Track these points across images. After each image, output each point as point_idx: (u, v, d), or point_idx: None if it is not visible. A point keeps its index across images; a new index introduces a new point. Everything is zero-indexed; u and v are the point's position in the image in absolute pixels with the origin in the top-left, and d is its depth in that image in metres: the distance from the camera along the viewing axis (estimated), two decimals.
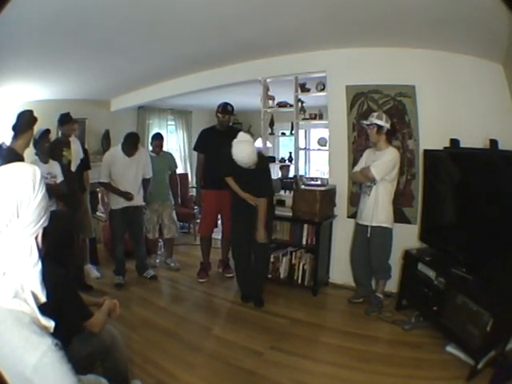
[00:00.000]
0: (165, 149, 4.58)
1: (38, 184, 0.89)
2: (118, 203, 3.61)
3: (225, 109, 3.60)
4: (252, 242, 3.22)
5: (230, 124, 3.88)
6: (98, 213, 4.81)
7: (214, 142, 3.64)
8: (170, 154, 4.51)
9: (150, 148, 4.31)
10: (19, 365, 0.81)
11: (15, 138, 2.71)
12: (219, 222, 4.00)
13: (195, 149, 3.93)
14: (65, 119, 3.41)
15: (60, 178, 3.14)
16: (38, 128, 3.03)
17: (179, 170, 6.38)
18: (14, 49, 2.84)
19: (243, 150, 2.90)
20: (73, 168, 3.41)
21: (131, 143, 3.56)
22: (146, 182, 3.81)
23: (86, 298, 1.80)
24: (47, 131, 3.11)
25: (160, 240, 4.53)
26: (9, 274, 0.85)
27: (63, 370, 0.85)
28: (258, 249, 3.26)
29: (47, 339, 0.85)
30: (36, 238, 0.89)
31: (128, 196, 3.58)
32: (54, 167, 3.14)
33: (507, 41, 2.36)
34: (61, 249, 1.62)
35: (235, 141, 2.94)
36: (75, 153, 3.45)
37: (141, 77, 4.51)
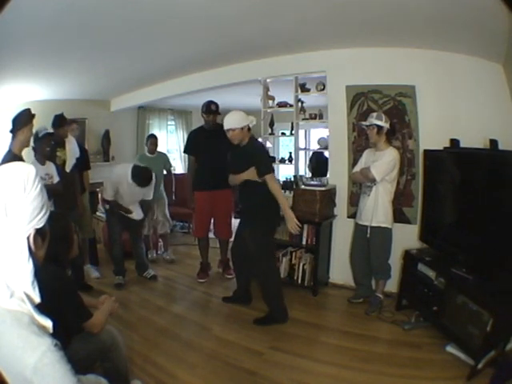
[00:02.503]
0: (164, 149, 4.68)
1: (31, 184, 0.88)
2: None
3: (208, 108, 3.56)
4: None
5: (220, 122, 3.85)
6: (97, 213, 4.81)
7: (203, 142, 3.62)
8: (165, 155, 4.63)
9: (146, 148, 4.46)
10: (19, 365, 0.81)
11: (13, 138, 2.70)
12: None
13: (185, 151, 3.90)
14: (59, 122, 3.33)
15: (56, 179, 3.13)
16: (40, 127, 3.02)
17: (179, 170, 6.44)
18: (14, 49, 2.84)
19: (229, 113, 2.87)
20: (67, 168, 3.36)
21: (146, 181, 3.48)
22: (145, 203, 3.76)
23: (84, 299, 1.80)
24: (50, 135, 3.09)
25: (160, 240, 4.64)
26: (2, 273, 0.85)
27: (63, 370, 0.85)
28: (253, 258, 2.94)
29: (47, 339, 0.84)
30: (28, 238, 0.88)
31: (128, 212, 3.59)
32: (51, 168, 3.13)
33: (507, 41, 2.36)
34: (58, 249, 1.61)
35: None
36: (70, 152, 3.40)
37: (141, 77, 4.52)
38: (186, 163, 6.91)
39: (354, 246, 3.32)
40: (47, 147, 3.08)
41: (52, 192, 2.90)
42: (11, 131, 2.73)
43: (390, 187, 3.03)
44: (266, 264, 2.94)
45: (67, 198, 3.21)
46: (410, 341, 2.67)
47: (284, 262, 3.63)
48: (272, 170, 2.88)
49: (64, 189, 3.16)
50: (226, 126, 2.82)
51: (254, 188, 2.85)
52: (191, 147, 3.78)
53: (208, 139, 3.60)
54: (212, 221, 3.89)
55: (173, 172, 4.69)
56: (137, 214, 3.68)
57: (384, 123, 2.97)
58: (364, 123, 3.09)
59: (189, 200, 3.94)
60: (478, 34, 2.53)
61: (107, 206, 3.71)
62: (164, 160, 4.47)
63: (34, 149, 3.05)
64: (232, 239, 3.47)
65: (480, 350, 2.20)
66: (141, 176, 3.43)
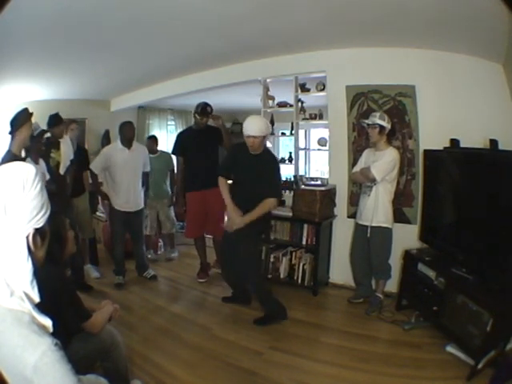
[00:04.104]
0: (164, 149, 4.70)
1: (30, 183, 0.88)
2: (120, 205, 3.61)
3: (204, 110, 3.56)
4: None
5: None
6: (97, 213, 4.81)
7: (192, 142, 3.63)
8: (168, 153, 4.58)
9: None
10: (19, 364, 0.81)
11: (12, 138, 2.69)
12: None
13: (173, 152, 3.88)
14: (54, 121, 3.28)
15: (47, 177, 3.09)
16: (34, 125, 2.99)
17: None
18: (14, 49, 2.84)
19: (253, 118, 2.79)
20: (61, 170, 3.29)
21: (127, 126, 3.59)
22: (144, 176, 3.83)
23: (85, 303, 1.80)
24: (43, 132, 3.05)
25: (160, 240, 4.66)
26: (2, 272, 0.85)
27: (63, 369, 0.85)
28: (240, 258, 2.94)
29: (47, 339, 0.84)
30: (27, 237, 0.88)
31: (103, 197, 3.68)
32: (43, 166, 3.10)
33: (507, 41, 2.36)
34: (52, 248, 1.60)
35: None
36: (64, 155, 3.33)
37: (141, 77, 4.52)
38: None
39: (354, 245, 3.32)
40: (42, 146, 3.05)
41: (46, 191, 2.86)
42: (10, 132, 2.72)
43: (390, 187, 3.03)
44: (255, 273, 2.98)
45: (60, 199, 3.17)
46: (410, 341, 2.67)
47: (284, 261, 3.63)
48: (280, 195, 2.93)
49: (57, 190, 3.12)
50: (248, 132, 2.72)
51: (251, 196, 2.82)
52: (180, 148, 3.76)
53: (197, 139, 3.61)
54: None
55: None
56: (138, 204, 3.67)
57: (386, 123, 2.97)
58: (366, 121, 3.07)
59: (178, 201, 3.95)
60: (478, 34, 2.53)
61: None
62: (166, 159, 4.46)
63: (27, 148, 3.00)
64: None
65: (480, 350, 2.20)
66: (122, 125, 3.58)
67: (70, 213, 3.35)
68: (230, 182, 3.09)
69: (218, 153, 3.75)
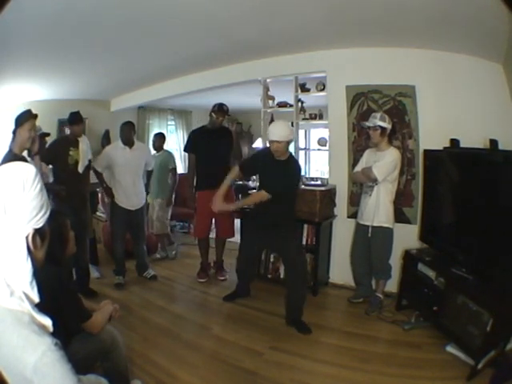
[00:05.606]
0: (165, 148, 4.69)
1: (30, 183, 0.88)
2: (122, 202, 3.61)
3: (221, 108, 3.57)
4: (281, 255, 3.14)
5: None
6: (98, 213, 4.81)
7: (204, 141, 3.64)
8: (169, 153, 4.57)
9: (152, 150, 4.49)
10: (19, 364, 0.81)
11: (13, 138, 2.69)
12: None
13: (185, 150, 3.89)
14: (75, 119, 3.26)
15: (50, 179, 3.08)
16: (36, 127, 3.00)
17: (179, 170, 6.43)
18: (14, 49, 2.84)
19: (277, 123, 2.81)
20: (80, 169, 3.28)
21: (127, 127, 3.62)
22: (147, 174, 3.85)
23: (87, 304, 1.79)
24: (44, 135, 3.04)
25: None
26: (2, 272, 0.85)
27: (63, 369, 0.85)
28: (290, 262, 2.94)
29: (47, 339, 0.85)
30: (27, 237, 0.88)
31: (108, 193, 3.66)
32: (45, 168, 3.09)
33: (507, 41, 2.36)
34: (54, 248, 1.61)
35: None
36: (83, 153, 3.31)
37: (141, 77, 4.52)
38: (186, 163, 6.95)
39: (355, 245, 3.32)
40: (42, 147, 3.05)
41: (52, 192, 2.87)
42: (13, 132, 2.72)
43: (392, 187, 3.03)
44: (306, 277, 3.07)
45: (76, 199, 3.17)
46: (410, 341, 2.67)
47: None
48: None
49: (74, 189, 3.12)
50: (272, 137, 2.68)
51: (287, 202, 2.87)
52: (192, 146, 3.76)
53: (209, 138, 3.61)
54: (213, 220, 3.87)
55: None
56: (139, 202, 3.68)
57: (387, 124, 2.97)
58: (367, 123, 3.06)
59: (189, 199, 3.95)
60: (478, 34, 2.53)
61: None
62: (167, 158, 4.45)
63: (28, 154, 3.01)
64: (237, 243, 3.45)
65: (480, 350, 2.20)
66: (123, 126, 3.62)
67: (85, 213, 3.35)
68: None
69: (230, 154, 3.74)
